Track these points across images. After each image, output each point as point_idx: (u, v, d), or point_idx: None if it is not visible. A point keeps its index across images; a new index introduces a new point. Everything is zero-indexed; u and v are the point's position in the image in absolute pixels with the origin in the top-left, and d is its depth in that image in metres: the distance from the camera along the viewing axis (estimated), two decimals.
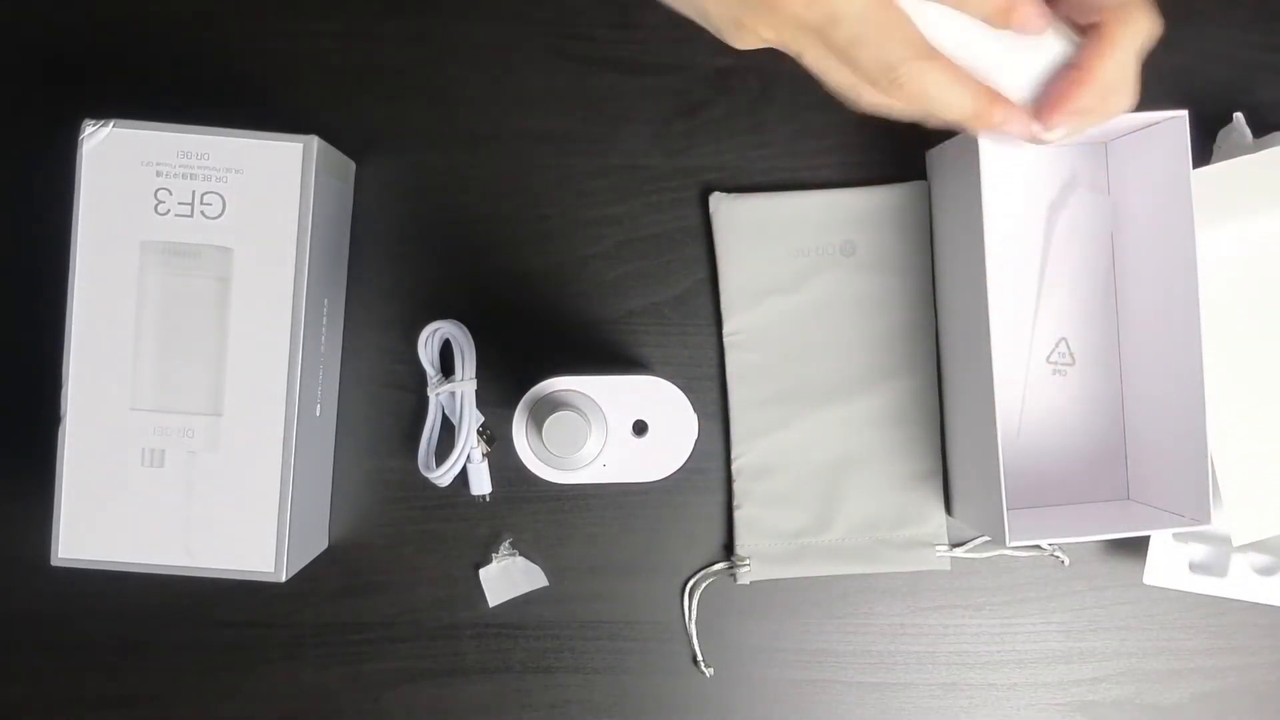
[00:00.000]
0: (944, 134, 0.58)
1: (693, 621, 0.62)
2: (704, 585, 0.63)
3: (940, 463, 0.62)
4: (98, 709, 0.62)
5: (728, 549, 0.63)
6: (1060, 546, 0.62)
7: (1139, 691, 0.63)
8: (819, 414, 0.62)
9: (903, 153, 0.63)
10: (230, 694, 0.62)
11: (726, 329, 0.62)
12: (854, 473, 0.62)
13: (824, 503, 0.62)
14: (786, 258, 0.62)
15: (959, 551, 0.62)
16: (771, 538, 0.62)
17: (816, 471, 0.62)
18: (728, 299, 0.62)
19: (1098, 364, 0.62)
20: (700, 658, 0.62)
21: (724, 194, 0.62)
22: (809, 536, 0.62)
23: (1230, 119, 0.60)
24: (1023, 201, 0.61)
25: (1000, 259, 0.61)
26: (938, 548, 0.62)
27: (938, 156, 0.61)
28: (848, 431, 0.62)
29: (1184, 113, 0.55)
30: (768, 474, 0.62)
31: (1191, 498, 0.56)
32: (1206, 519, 0.55)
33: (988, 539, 0.62)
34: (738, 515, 0.62)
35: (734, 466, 0.62)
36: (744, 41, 0.45)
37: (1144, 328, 0.60)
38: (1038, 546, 0.62)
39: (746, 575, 0.62)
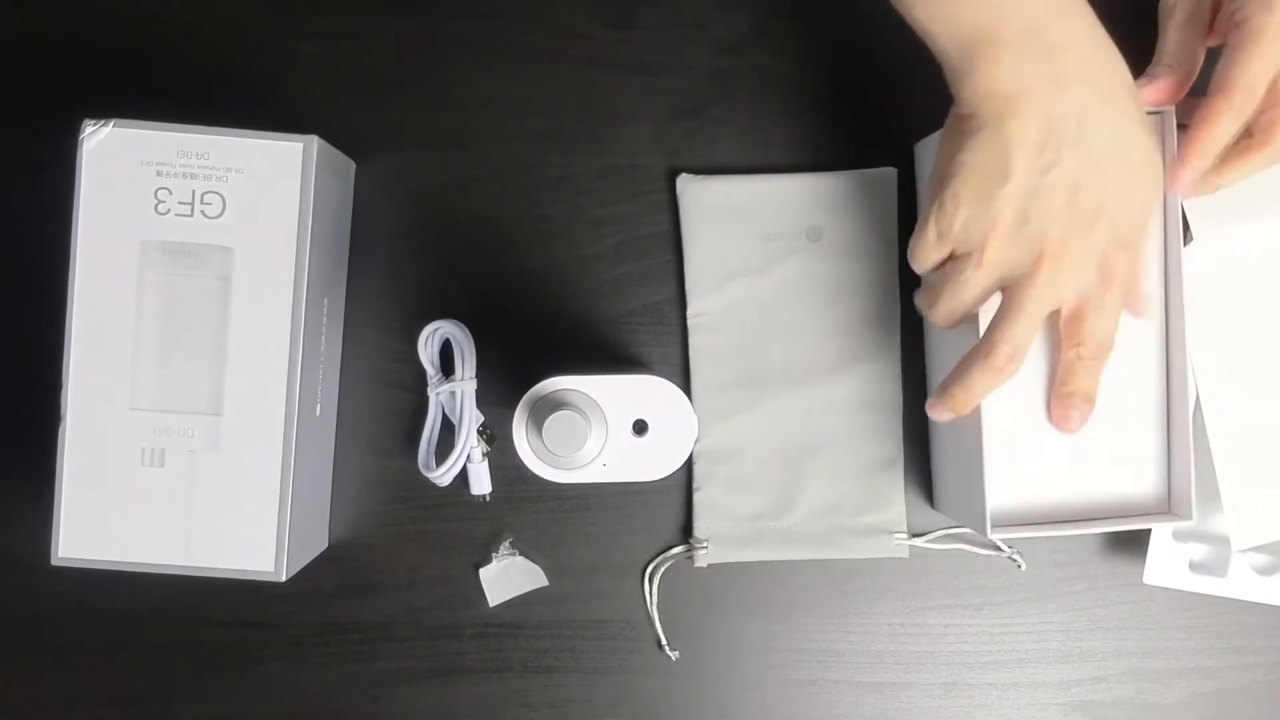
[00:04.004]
0: (932, 125, 0.58)
1: (654, 606, 0.62)
2: (663, 569, 0.62)
3: (902, 450, 0.62)
4: (98, 709, 0.62)
5: (685, 531, 0.63)
6: (1018, 550, 0.62)
7: (1139, 691, 0.63)
8: (782, 398, 0.62)
9: (903, 152, 0.63)
10: (230, 694, 0.62)
11: (690, 311, 0.62)
12: (816, 458, 0.62)
13: (785, 487, 0.62)
14: (752, 241, 0.62)
15: (918, 541, 0.62)
16: (730, 520, 0.62)
17: (778, 456, 0.62)
18: (692, 281, 0.62)
19: None
20: (665, 642, 0.62)
21: (691, 175, 0.62)
22: (768, 520, 0.62)
23: None
24: None
25: None
26: (896, 535, 0.62)
27: (926, 148, 0.61)
28: (810, 417, 0.62)
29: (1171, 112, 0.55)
30: (729, 457, 0.62)
31: (1177, 493, 0.56)
32: (1189, 515, 0.55)
33: (947, 531, 0.62)
34: (697, 498, 0.62)
35: (695, 449, 0.62)
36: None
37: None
38: (998, 547, 0.63)
39: (704, 558, 0.62)
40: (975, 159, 0.48)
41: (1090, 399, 0.53)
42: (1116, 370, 0.54)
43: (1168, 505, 0.57)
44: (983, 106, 0.47)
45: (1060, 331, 0.52)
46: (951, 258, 0.51)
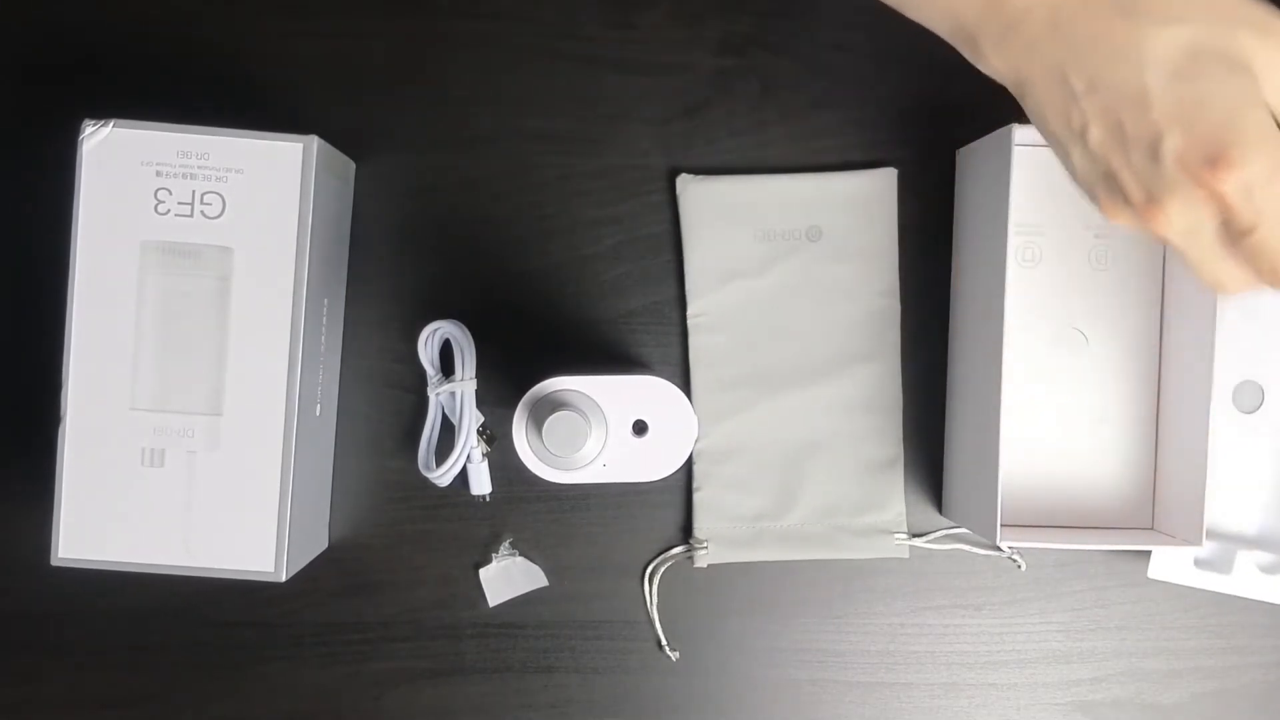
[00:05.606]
0: (976, 132, 0.58)
1: (654, 606, 0.62)
2: (663, 569, 0.62)
3: (902, 450, 0.62)
4: (98, 709, 0.62)
5: (685, 531, 0.63)
6: (1019, 550, 0.62)
7: (1139, 691, 0.63)
8: (781, 398, 0.62)
9: (906, 154, 0.63)
10: (230, 694, 0.62)
11: (690, 311, 0.62)
12: (815, 458, 0.62)
13: (784, 487, 0.62)
14: (752, 241, 0.62)
15: (918, 541, 0.62)
16: (730, 520, 0.62)
17: (778, 456, 0.62)
18: (692, 281, 0.62)
19: (1111, 381, 0.61)
20: (665, 642, 0.62)
21: (691, 175, 0.62)
22: (768, 520, 0.62)
23: None
24: (1056, 211, 0.60)
25: (1026, 267, 0.61)
26: (896, 536, 0.62)
27: (969, 155, 0.60)
28: (810, 417, 0.62)
29: None
30: (728, 457, 0.62)
31: (1187, 519, 0.56)
32: (1198, 541, 0.55)
33: (947, 531, 0.62)
34: (697, 498, 0.62)
35: (695, 449, 0.62)
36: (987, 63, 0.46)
37: (1149, 348, 0.60)
38: (998, 548, 0.62)
39: (704, 558, 0.62)
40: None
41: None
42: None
43: (1179, 529, 0.57)
44: (1008, 85, 0.46)
45: None
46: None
